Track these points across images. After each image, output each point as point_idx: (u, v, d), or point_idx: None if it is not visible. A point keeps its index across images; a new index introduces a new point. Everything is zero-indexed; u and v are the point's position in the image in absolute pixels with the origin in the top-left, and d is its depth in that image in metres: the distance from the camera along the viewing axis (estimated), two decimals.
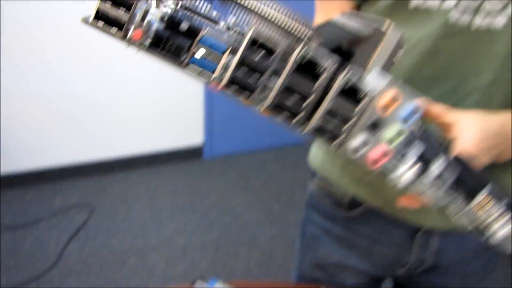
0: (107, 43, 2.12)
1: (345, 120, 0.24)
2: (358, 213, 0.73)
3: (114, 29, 0.23)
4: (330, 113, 0.24)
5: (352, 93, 0.24)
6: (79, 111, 2.25)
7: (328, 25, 0.32)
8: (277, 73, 0.23)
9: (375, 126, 0.24)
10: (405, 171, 0.27)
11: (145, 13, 0.23)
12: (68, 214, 2.08)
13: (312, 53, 0.23)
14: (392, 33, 0.27)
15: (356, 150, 0.25)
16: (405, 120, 0.24)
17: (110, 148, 2.41)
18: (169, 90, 2.41)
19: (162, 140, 2.54)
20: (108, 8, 0.22)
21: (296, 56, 0.23)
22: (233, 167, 2.60)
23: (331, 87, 0.23)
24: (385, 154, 0.24)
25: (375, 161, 0.25)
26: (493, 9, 0.54)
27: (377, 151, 0.24)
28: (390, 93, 0.23)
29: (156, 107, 2.43)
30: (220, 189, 2.38)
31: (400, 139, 0.24)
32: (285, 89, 0.23)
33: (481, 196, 0.29)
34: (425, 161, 0.27)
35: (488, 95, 0.57)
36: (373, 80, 0.24)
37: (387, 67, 0.28)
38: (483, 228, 0.29)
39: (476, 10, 0.54)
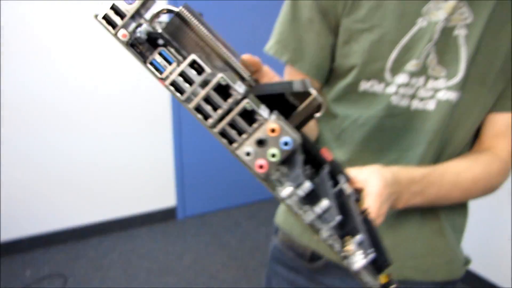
0: (80, 113, 2.20)
1: (241, 132, 0.35)
2: (320, 265, 0.79)
3: (110, 28, 0.34)
4: (231, 125, 0.35)
5: (250, 115, 0.34)
6: (47, 180, 2.26)
7: (278, 82, 0.44)
8: (203, 86, 0.34)
9: (262, 143, 0.34)
10: (283, 190, 0.36)
11: (138, 25, 0.35)
12: (40, 285, 2.03)
13: (227, 81, 0.33)
14: (317, 96, 0.38)
15: (247, 154, 0.35)
16: (283, 145, 0.34)
17: (81, 215, 2.40)
18: (140, 153, 2.47)
19: (135, 203, 2.55)
20: (111, 14, 0.34)
21: (216, 80, 0.33)
22: (207, 226, 2.62)
23: (236, 107, 0.34)
24: (265, 165, 0.35)
25: (260, 167, 0.35)
26: (425, 96, 0.67)
27: (260, 162, 0.35)
28: (271, 124, 0.34)
29: (127, 171, 2.47)
30: (195, 249, 2.39)
31: (277, 158, 0.34)
32: (204, 99, 0.34)
33: (350, 242, 0.37)
34: (311, 197, 0.36)
35: (421, 165, 0.68)
36: (267, 112, 0.35)
37: (308, 119, 0.39)
38: (344, 257, 0.38)
39: (412, 96, 0.67)
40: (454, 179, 0.66)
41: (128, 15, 0.33)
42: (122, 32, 0.34)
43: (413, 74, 0.66)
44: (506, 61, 0.65)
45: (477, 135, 0.73)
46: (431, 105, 0.67)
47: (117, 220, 2.49)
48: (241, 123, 0.35)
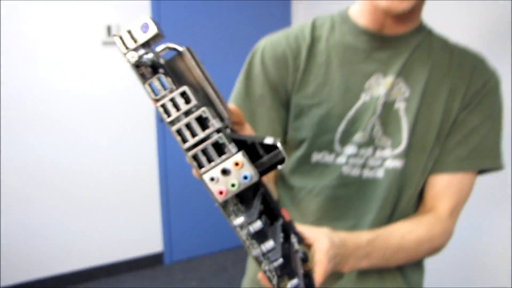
0: (68, 170, 2.25)
1: (210, 160, 0.41)
2: None
3: (123, 48, 0.41)
4: (203, 152, 0.41)
5: (220, 148, 0.41)
6: (32, 228, 2.27)
7: (253, 135, 0.50)
8: (187, 114, 0.40)
9: (226, 172, 0.40)
10: (236, 219, 0.42)
11: (146, 52, 0.41)
12: None
13: (207, 115, 0.40)
14: (282, 150, 0.44)
15: (211, 179, 0.41)
16: (243, 178, 0.40)
17: (67, 262, 2.40)
18: (126, 199, 2.50)
19: (122, 249, 2.55)
20: (126, 37, 0.40)
21: (198, 112, 0.40)
22: (194, 271, 2.62)
23: (211, 138, 0.40)
24: (224, 192, 0.40)
25: (220, 193, 0.41)
26: (374, 165, 0.73)
27: (221, 188, 0.40)
28: (236, 158, 0.40)
29: (113, 217, 2.49)
30: None
31: (236, 188, 0.40)
32: (185, 125, 0.40)
33: (287, 281, 0.43)
34: (259, 235, 0.42)
35: (373, 229, 0.71)
36: (235, 149, 0.41)
37: (271, 168, 0.45)
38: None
39: (363, 166, 0.73)
40: (399, 242, 0.68)
41: (140, 42, 0.41)
42: (131, 54, 0.41)
43: (361, 145, 0.72)
44: (440, 129, 0.72)
45: (421, 196, 0.78)
46: (380, 174, 0.73)
47: (104, 267, 2.49)
48: (212, 152, 0.41)
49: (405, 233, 0.69)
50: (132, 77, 2.31)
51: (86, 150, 2.33)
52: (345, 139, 0.72)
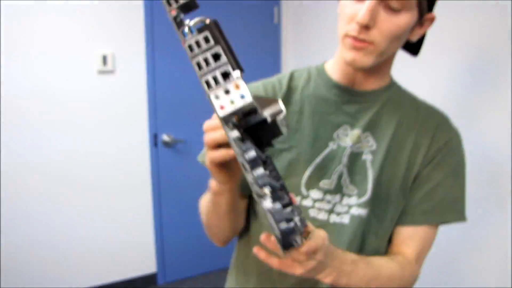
0: (62, 186, 2.33)
1: (217, 82, 0.50)
2: None
3: (168, 7, 0.51)
4: (214, 78, 0.51)
5: (227, 76, 0.50)
6: (27, 249, 2.28)
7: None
8: (204, 52, 0.50)
9: (228, 92, 0.50)
10: (231, 132, 0.50)
11: (181, 17, 0.53)
12: None
13: (220, 51, 0.50)
14: (281, 103, 0.53)
15: (216, 97, 0.50)
16: (240, 97, 0.49)
17: (61, 283, 2.38)
18: (120, 220, 2.52)
19: (115, 271, 2.55)
20: (173, 3, 0.52)
21: (215, 50, 0.50)
22: None
23: (220, 68, 0.50)
24: (224, 106, 0.50)
25: (221, 107, 0.50)
26: (341, 211, 0.76)
27: (222, 103, 0.50)
28: (237, 82, 0.49)
29: (107, 239, 2.50)
30: None
31: (235, 104, 0.49)
32: (204, 59, 0.51)
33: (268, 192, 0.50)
34: (252, 161, 0.50)
35: None
36: (238, 73, 0.51)
37: (274, 116, 0.51)
38: (259, 195, 0.51)
39: (330, 211, 0.76)
40: (376, 270, 0.72)
41: (180, 3, 0.52)
42: (172, 10, 0.53)
43: (327, 192, 0.75)
44: (403, 181, 0.76)
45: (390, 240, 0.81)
46: (346, 219, 0.76)
47: None
48: (220, 78, 0.51)
49: (381, 264, 0.74)
50: (126, 105, 2.44)
51: (81, 172, 2.38)
52: (311, 183, 0.76)
